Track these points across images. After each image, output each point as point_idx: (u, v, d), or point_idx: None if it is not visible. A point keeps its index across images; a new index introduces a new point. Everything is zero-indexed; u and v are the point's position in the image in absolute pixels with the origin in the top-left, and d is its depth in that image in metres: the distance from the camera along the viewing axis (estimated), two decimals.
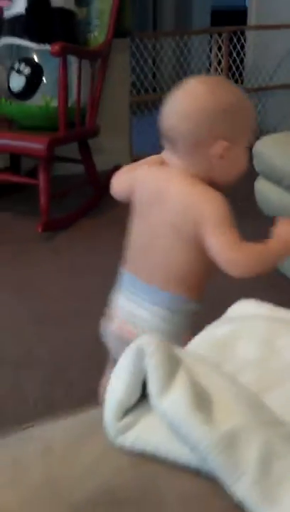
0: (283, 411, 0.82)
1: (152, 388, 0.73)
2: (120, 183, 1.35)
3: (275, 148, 2.18)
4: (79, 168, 3.11)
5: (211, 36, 3.88)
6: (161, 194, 1.25)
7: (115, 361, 1.22)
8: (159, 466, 0.69)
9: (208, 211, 1.19)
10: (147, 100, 4.04)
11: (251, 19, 4.11)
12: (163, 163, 1.29)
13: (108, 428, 0.73)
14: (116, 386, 0.75)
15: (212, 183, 1.23)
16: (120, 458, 0.70)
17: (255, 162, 2.25)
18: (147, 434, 0.71)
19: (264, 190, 2.26)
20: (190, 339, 1.21)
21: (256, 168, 2.27)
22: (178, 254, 1.26)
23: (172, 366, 0.75)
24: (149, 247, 1.29)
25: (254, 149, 2.26)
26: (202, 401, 0.72)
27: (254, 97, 4.12)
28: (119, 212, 1.35)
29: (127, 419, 0.73)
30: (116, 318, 1.37)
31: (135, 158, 3.72)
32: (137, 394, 0.75)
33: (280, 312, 1.08)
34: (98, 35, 2.88)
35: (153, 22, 4.95)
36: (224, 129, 1.19)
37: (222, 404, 0.73)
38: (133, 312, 1.33)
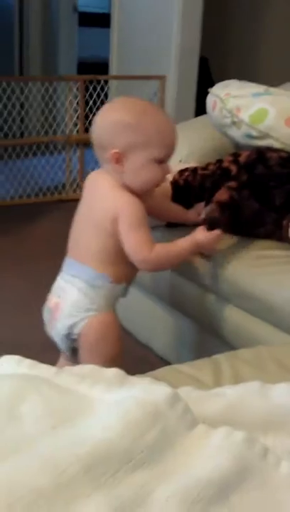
0: None
1: None
2: None
3: None
4: None
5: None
6: (89, 193, 1.52)
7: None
8: None
9: (124, 212, 1.42)
10: (15, 145, 4.00)
11: (112, 70, 4.22)
12: None
13: None
14: None
15: (131, 191, 1.45)
16: None
17: None
18: None
19: None
20: (111, 318, 1.50)
21: None
22: (97, 239, 1.48)
23: None
24: (80, 235, 1.52)
25: None
26: None
27: None
28: None
29: None
30: (50, 296, 1.55)
31: None
32: None
33: (39, 369, 0.95)
34: None
35: (19, 67, 4.98)
36: (121, 140, 1.41)
37: None
38: (60, 286, 1.52)
